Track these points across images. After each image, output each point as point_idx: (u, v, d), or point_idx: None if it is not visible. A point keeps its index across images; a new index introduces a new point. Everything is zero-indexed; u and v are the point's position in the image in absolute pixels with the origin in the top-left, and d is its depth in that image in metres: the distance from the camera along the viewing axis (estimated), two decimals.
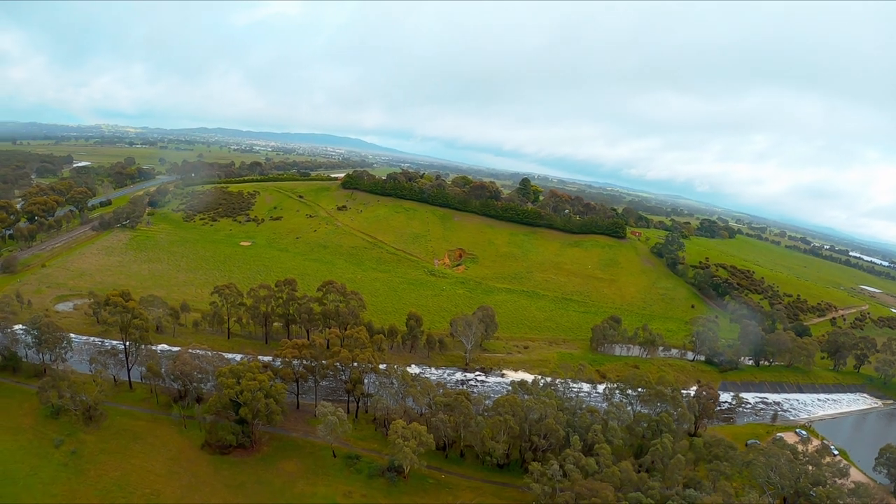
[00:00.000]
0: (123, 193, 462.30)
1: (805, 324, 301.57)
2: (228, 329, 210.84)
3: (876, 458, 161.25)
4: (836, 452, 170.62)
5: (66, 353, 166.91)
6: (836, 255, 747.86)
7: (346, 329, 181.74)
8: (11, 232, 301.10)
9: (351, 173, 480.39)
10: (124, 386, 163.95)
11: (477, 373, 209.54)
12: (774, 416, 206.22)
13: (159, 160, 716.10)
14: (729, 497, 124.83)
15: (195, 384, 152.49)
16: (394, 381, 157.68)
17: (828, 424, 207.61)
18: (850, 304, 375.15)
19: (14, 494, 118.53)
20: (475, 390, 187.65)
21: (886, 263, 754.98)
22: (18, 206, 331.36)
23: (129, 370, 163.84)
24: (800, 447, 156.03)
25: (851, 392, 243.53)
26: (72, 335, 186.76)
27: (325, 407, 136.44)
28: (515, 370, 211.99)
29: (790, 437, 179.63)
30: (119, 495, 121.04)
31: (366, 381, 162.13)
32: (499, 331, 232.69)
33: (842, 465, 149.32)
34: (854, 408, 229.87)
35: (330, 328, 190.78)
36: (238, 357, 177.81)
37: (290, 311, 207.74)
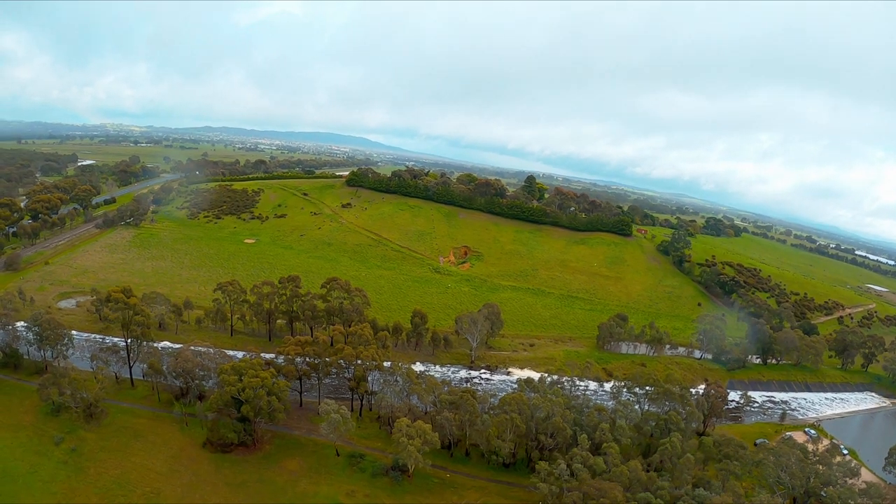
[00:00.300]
0: (128, 191, 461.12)
1: (812, 322, 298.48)
2: (232, 326, 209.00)
3: (886, 458, 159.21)
4: (845, 452, 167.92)
5: (67, 350, 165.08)
6: (842, 254, 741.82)
7: (350, 326, 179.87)
8: (15, 230, 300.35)
9: (355, 171, 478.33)
10: (126, 383, 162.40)
11: (482, 371, 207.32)
12: (783, 415, 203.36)
13: (164, 159, 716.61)
14: (739, 497, 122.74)
15: (197, 381, 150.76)
16: (398, 378, 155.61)
17: (836, 423, 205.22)
18: (857, 302, 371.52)
19: (13, 492, 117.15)
20: (480, 388, 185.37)
21: (892, 262, 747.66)
22: (22, 205, 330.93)
23: (130, 367, 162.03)
24: (809, 446, 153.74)
25: (859, 391, 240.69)
26: (74, 332, 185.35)
27: (329, 405, 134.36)
28: (521, 368, 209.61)
29: (799, 437, 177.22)
30: (119, 494, 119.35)
31: (370, 378, 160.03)
32: (504, 328, 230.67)
33: (852, 464, 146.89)
34: (862, 407, 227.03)
35: (334, 325, 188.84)
36: (241, 354, 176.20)
37: (294, 308, 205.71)
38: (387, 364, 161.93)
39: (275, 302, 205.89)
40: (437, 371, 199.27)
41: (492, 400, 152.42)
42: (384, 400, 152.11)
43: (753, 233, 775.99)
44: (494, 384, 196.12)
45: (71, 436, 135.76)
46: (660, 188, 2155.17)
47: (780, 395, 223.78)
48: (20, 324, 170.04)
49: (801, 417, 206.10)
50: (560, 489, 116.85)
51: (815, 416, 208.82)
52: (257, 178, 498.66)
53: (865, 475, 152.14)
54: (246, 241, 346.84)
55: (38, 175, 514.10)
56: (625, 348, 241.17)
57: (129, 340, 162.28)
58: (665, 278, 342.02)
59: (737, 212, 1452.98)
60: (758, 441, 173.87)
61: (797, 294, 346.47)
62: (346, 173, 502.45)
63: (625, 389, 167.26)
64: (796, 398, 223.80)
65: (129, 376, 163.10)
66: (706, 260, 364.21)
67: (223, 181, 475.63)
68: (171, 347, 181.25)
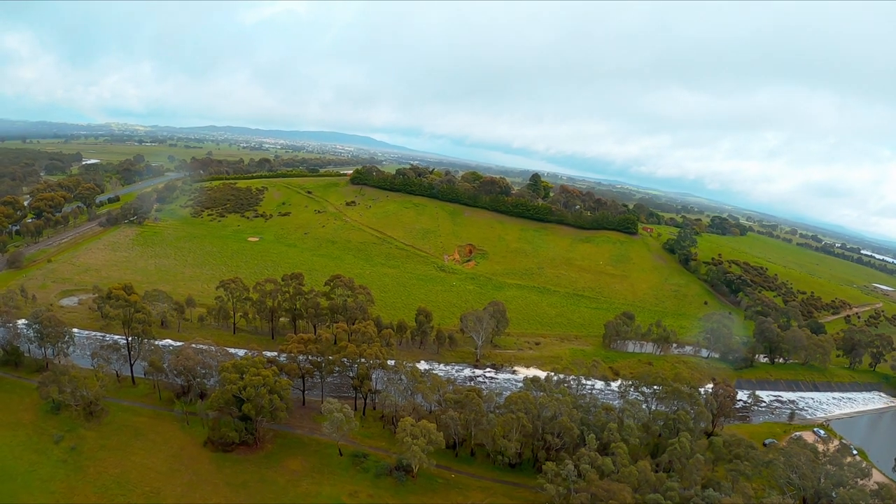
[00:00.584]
0: (131, 190, 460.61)
1: (819, 321, 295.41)
2: (234, 324, 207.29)
3: None
4: (854, 452, 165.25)
5: (68, 347, 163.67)
6: (848, 253, 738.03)
7: (353, 324, 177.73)
8: (18, 228, 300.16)
9: (360, 169, 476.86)
10: (127, 381, 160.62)
11: (487, 369, 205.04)
12: (791, 415, 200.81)
13: (168, 157, 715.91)
14: (749, 498, 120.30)
15: (198, 379, 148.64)
16: (402, 377, 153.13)
17: (844, 423, 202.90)
18: (864, 301, 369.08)
19: (12, 491, 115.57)
20: (485, 387, 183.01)
21: None
22: (26, 203, 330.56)
23: (131, 365, 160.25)
24: (820, 447, 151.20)
25: (867, 391, 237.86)
26: (75, 330, 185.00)
27: (331, 404, 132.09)
28: (527, 367, 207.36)
29: (808, 437, 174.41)
30: (118, 493, 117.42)
31: (373, 377, 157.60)
32: (509, 327, 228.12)
33: (863, 465, 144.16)
34: (870, 407, 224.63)
35: (337, 323, 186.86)
36: (243, 352, 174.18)
37: (297, 306, 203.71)
38: (391, 362, 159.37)
39: (278, 299, 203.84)
40: (441, 369, 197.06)
41: (497, 399, 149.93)
42: (388, 399, 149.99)
43: (759, 232, 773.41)
44: (498, 383, 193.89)
45: (71, 434, 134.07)
46: (664, 187, 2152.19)
47: (787, 395, 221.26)
48: (21, 321, 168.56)
49: (809, 417, 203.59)
50: (567, 490, 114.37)
51: (823, 415, 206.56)
52: (261, 177, 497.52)
53: (876, 476, 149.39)
54: (249, 239, 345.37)
55: (42, 174, 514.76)
56: (631, 347, 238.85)
57: (129, 338, 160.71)
58: (671, 277, 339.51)
59: (742, 211, 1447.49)
60: (767, 441, 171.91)
61: (804, 293, 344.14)
62: (351, 172, 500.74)
63: (632, 388, 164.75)
64: (804, 398, 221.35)
65: (130, 374, 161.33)
66: (712, 258, 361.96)
67: (227, 179, 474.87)
68: (174, 345, 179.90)
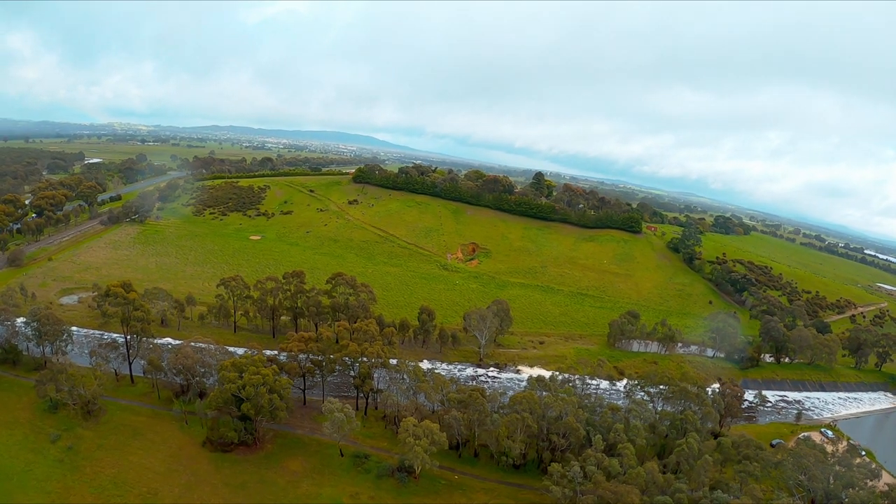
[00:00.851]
0: (133, 189, 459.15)
1: (825, 321, 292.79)
2: (235, 322, 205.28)
3: None
4: (862, 453, 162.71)
5: (66, 345, 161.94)
6: (852, 253, 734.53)
7: (355, 322, 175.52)
8: (19, 226, 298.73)
9: (362, 167, 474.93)
10: (126, 380, 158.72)
11: (491, 368, 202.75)
12: (798, 415, 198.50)
13: (170, 157, 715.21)
14: (758, 500, 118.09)
15: (197, 378, 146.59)
16: (405, 376, 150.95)
17: (850, 424, 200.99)
18: (869, 301, 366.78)
19: (8, 491, 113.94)
20: (487, 386, 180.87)
21: None
22: (27, 202, 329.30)
23: (130, 364, 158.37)
24: (829, 447, 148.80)
25: (873, 391, 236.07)
26: (75, 328, 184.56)
27: (332, 403, 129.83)
28: (531, 366, 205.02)
29: (815, 437, 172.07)
30: (114, 493, 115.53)
31: (375, 376, 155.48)
32: (513, 326, 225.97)
33: (872, 466, 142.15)
34: (877, 407, 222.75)
35: (339, 321, 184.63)
36: (244, 351, 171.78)
37: (298, 304, 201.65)
38: (393, 361, 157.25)
39: (279, 298, 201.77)
40: (443, 368, 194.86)
41: (502, 399, 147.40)
42: (390, 398, 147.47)
43: (762, 231, 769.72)
44: (501, 382, 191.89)
45: (68, 433, 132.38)
46: (667, 187, 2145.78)
47: (793, 395, 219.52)
48: (20, 319, 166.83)
49: (816, 417, 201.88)
50: (574, 492, 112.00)
51: (830, 416, 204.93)
52: (263, 176, 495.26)
53: (885, 477, 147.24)
54: (251, 237, 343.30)
55: (44, 173, 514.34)
56: (636, 346, 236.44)
57: (128, 336, 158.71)
58: (675, 276, 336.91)
59: (745, 210, 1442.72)
60: (774, 442, 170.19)
61: (809, 292, 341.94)
62: (353, 170, 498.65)
63: (638, 388, 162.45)
64: (810, 398, 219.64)
65: (128, 373, 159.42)
66: (716, 257, 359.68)
67: (229, 178, 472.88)
68: (174, 344, 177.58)
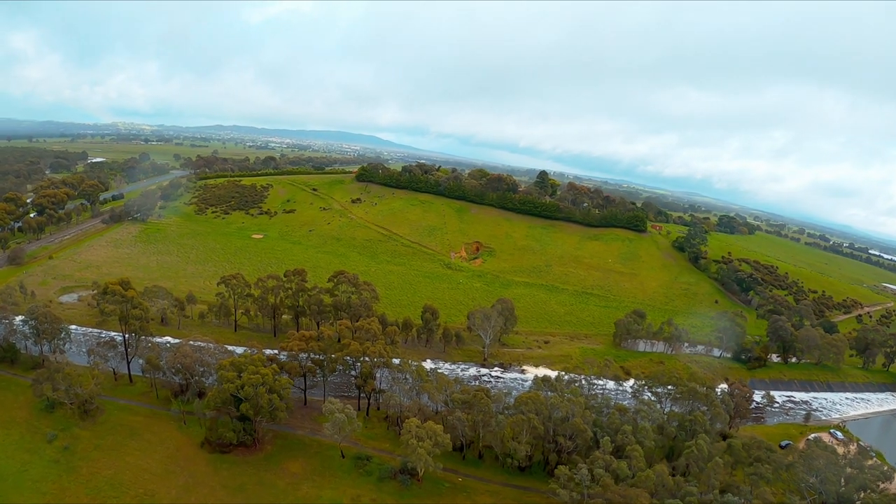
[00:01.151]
0: (136, 188, 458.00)
1: (832, 320, 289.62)
2: (235, 321, 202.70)
3: None
4: (872, 455, 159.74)
5: (64, 344, 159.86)
6: (857, 253, 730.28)
7: (357, 321, 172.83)
8: (20, 224, 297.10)
9: (365, 166, 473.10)
10: (124, 379, 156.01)
11: (495, 368, 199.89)
12: (807, 416, 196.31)
13: (174, 156, 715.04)
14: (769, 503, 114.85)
15: (196, 378, 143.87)
16: (407, 376, 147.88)
17: (859, 425, 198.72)
18: (875, 301, 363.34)
19: (3, 491, 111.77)
20: (491, 385, 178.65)
21: None
22: (28, 200, 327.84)
23: (128, 363, 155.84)
24: (840, 449, 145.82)
25: (881, 391, 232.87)
26: (74, 327, 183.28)
27: (333, 404, 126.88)
28: (536, 366, 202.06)
29: (824, 438, 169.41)
30: (111, 495, 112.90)
31: (378, 375, 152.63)
32: (518, 325, 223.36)
33: (884, 468, 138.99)
34: (885, 408, 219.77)
35: (341, 320, 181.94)
36: (244, 350, 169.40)
37: (300, 303, 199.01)
38: (396, 361, 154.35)
39: (280, 296, 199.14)
40: (447, 368, 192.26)
41: (507, 399, 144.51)
42: (392, 399, 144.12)
43: (767, 231, 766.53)
44: (505, 382, 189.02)
45: (65, 433, 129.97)
46: (671, 186, 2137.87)
47: (800, 395, 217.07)
48: (19, 318, 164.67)
49: (824, 418, 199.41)
50: (581, 495, 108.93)
51: (838, 416, 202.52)
52: (266, 174, 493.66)
53: None
54: (254, 236, 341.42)
55: (47, 172, 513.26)
56: (642, 346, 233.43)
57: (126, 335, 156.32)
58: (681, 275, 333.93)
59: (749, 210, 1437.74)
60: (783, 443, 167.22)
61: (815, 292, 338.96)
62: (356, 169, 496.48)
63: (646, 388, 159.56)
64: (817, 398, 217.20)
65: (127, 372, 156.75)
66: (722, 257, 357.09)
67: (232, 177, 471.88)
68: (174, 343, 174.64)
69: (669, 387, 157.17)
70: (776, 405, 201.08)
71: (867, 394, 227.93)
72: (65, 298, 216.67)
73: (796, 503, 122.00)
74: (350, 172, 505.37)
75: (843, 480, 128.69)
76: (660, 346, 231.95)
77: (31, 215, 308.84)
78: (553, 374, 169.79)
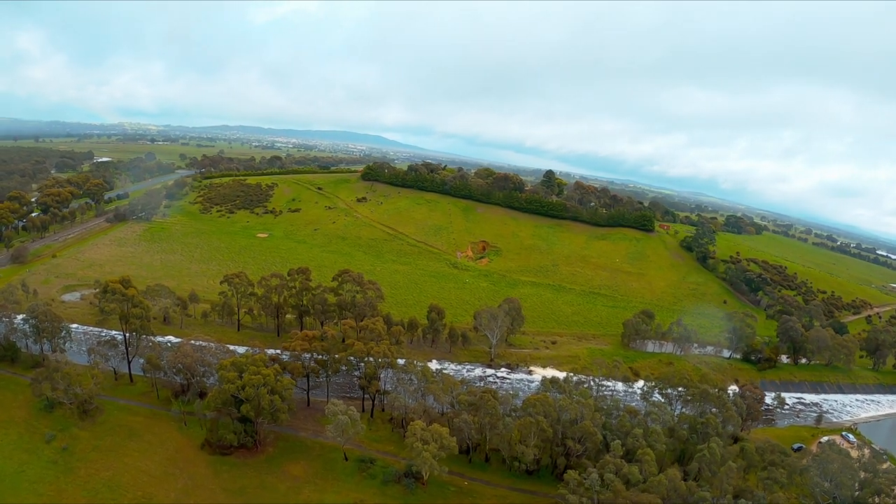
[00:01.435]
0: (141, 187, 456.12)
1: (842, 321, 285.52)
2: (238, 320, 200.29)
3: None
4: (885, 458, 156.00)
5: (65, 343, 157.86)
6: (864, 253, 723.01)
7: (362, 321, 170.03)
8: (24, 223, 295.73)
9: (371, 165, 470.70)
10: (125, 379, 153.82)
11: (502, 369, 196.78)
12: (819, 418, 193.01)
13: (179, 156, 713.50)
14: None
15: (197, 378, 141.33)
16: (413, 377, 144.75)
17: (870, 427, 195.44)
18: (884, 301, 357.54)
19: None
20: (497, 386, 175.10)
21: None
22: (33, 199, 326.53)
23: (129, 362, 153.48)
24: (854, 453, 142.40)
25: (892, 393, 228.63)
26: (75, 326, 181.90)
27: (336, 405, 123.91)
28: (543, 367, 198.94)
29: (836, 441, 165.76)
30: (108, 497, 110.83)
31: (382, 376, 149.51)
32: (524, 325, 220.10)
33: None
34: None
35: (345, 320, 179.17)
36: (248, 350, 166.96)
37: (304, 302, 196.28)
38: (401, 361, 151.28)
39: (283, 295, 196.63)
40: (453, 369, 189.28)
41: (514, 401, 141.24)
42: (397, 400, 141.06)
43: (774, 231, 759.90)
44: (510, 383, 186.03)
45: (63, 433, 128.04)
46: (677, 186, 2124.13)
47: (810, 397, 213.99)
48: (20, 316, 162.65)
49: (835, 420, 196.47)
50: (591, 501, 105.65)
51: (849, 418, 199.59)
52: (271, 173, 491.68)
53: None
54: (258, 235, 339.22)
55: (52, 171, 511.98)
56: (650, 346, 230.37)
57: (127, 334, 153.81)
58: (689, 275, 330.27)
59: (755, 210, 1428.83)
60: (795, 446, 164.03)
61: (824, 292, 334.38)
62: (362, 168, 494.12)
63: (656, 390, 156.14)
64: (827, 399, 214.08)
65: (128, 371, 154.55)
66: (730, 256, 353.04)
67: (237, 176, 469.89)
68: (175, 342, 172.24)
69: (680, 388, 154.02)
70: (786, 407, 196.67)
71: (878, 395, 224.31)
72: (67, 297, 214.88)
73: None
74: (355, 171, 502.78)
75: (857, 485, 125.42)
76: (669, 347, 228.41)
77: (34, 214, 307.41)
78: (561, 375, 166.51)
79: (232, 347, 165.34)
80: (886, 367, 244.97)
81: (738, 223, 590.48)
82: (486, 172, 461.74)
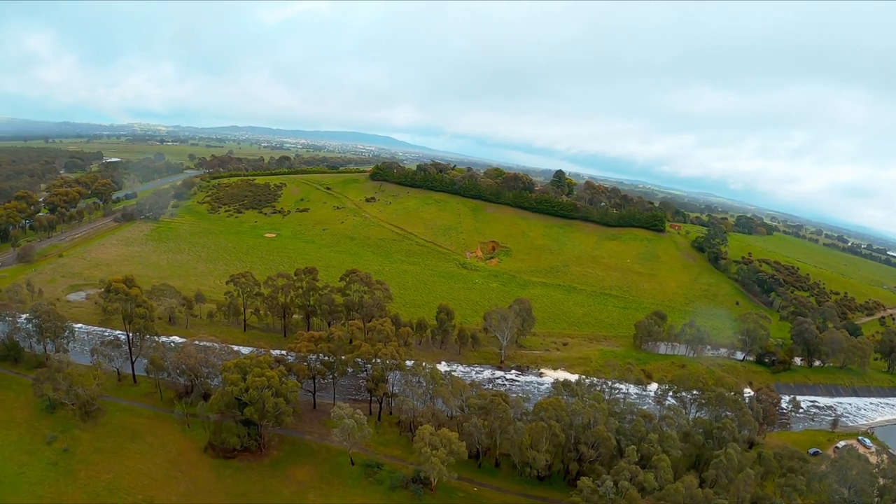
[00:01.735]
0: (149, 187, 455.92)
1: (855, 322, 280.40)
2: (244, 321, 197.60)
3: None
4: None
5: (68, 343, 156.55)
6: (875, 254, 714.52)
7: (369, 321, 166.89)
8: (31, 222, 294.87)
9: (380, 165, 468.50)
10: (128, 380, 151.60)
11: (512, 370, 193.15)
12: (835, 422, 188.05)
13: (188, 156, 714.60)
14: None
15: (202, 379, 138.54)
16: (421, 379, 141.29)
17: (886, 431, 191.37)
18: None
19: None
20: (505, 387, 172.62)
21: None
22: (41, 199, 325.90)
23: (132, 363, 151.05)
24: (872, 458, 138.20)
25: None
26: (80, 325, 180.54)
27: (342, 409, 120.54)
28: (554, 369, 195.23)
29: (854, 446, 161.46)
30: (108, 500, 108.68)
31: (390, 378, 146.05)
32: (535, 326, 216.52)
33: None
34: None
35: (352, 320, 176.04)
36: (253, 351, 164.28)
37: (311, 302, 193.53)
38: (409, 363, 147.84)
39: (290, 295, 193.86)
40: (462, 371, 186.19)
41: (526, 405, 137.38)
42: (405, 403, 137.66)
43: (784, 232, 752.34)
44: (520, 385, 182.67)
45: (64, 435, 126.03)
46: (686, 187, 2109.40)
47: (824, 400, 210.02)
48: (24, 316, 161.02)
49: (850, 424, 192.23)
50: None
51: (865, 422, 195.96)
52: (280, 173, 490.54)
53: None
54: (266, 235, 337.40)
55: (61, 171, 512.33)
56: (663, 348, 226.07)
57: (130, 334, 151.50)
58: (701, 276, 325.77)
59: (765, 211, 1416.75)
60: (811, 451, 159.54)
61: (837, 293, 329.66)
62: (371, 168, 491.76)
63: (670, 393, 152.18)
64: (841, 403, 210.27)
65: (131, 372, 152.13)
66: (742, 257, 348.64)
67: (245, 176, 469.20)
68: (180, 342, 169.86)
69: (695, 391, 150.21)
70: (801, 411, 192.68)
71: (893, 399, 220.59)
72: (73, 296, 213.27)
73: None
74: (364, 171, 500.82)
75: (876, 491, 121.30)
76: (681, 349, 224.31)
77: (43, 214, 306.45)
78: (572, 377, 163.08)
79: (237, 348, 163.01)
80: None
81: (748, 223, 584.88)
82: (496, 172, 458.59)
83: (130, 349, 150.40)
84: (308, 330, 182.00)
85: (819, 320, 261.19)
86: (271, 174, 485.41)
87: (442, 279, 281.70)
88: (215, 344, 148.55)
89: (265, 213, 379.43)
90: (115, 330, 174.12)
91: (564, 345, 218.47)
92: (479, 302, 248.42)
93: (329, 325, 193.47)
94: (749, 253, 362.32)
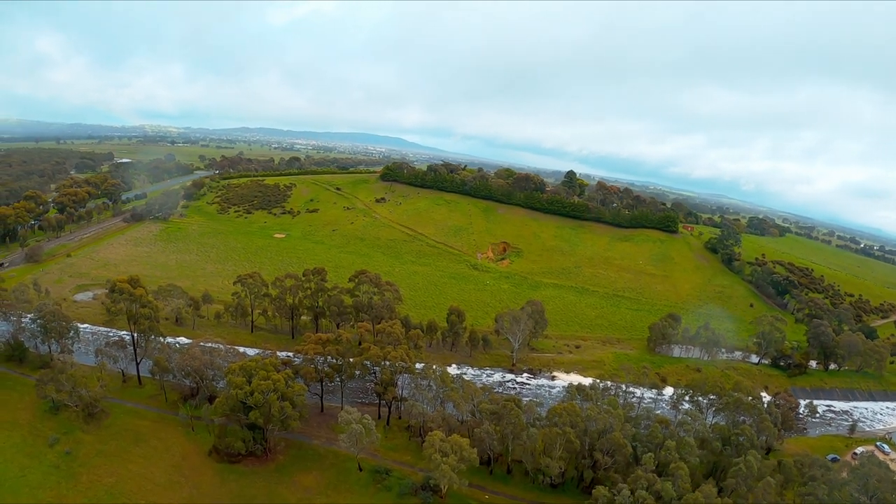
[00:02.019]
0: (159, 187, 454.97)
1: (871, 325, 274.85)
2: (252, 322, 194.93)
3: None
4: None
5: (73, 343, 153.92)
6: (889, 256, 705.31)
7: (379, 323, 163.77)
8: (40, 222, 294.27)
9: (390, 165, 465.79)
10: (133, 381, 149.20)
11: (524, 374, 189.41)
12: (852, 427, 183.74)
13: (199, 157, 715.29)
14: None
15: (207, 381, 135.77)
16: (431, 383, 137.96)
17: None
18: None
19: None
20: (516, 393, 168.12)
21: None
22: (50, 199, 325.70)
23: (137, 364, 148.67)
24: (893, 465, 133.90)
25: None
26: (86, 326, 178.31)
27: (350, 413, 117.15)
28: (567, 372, 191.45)
29: (874, 452, 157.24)
30: None
31: (399, 382, 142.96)
32: (547, 328, 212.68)
33: None
34: None
35: (361, 322, 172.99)
36: (259, 353, 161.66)
37: (319, 303, 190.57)
38: (419, 366, 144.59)
39: (298, 296, 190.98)
40: (472, 374, 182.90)
41: (539, 410, 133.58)
42: (415, 408, 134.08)
43: (796, 233, 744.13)
44: (531, 389, 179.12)
45: (67, 437, 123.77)
46: (697, 188, 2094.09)
47: (840, 405, 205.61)
48: (29, 316, 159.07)
49: (868, 429, 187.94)
50: None
51: (882, 427, 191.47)
52: (289, 174, 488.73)
53: None
54: (276, 235, 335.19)
55: (72, 172, 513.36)
56: (677, 351, 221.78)
57: (135, 334, 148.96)
58: (714, 277, 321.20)
59: (777, 212, 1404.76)
60: (829, 457, 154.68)
61: (851, 296, 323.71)
62: (381, 169, 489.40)
63: (687, 398, 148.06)
64: (857, 407, 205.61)
65: (136, 373, 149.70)
66: (756, 259, 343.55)
67: (255, 176, 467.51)
68: (186, 343, 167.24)
69: (712, 396, 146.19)
70: (817, 415, 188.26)
71: None
72: (80, 297, 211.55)
73: None
74: (374, 172, 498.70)
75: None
76: (695, 352, 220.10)
77: (52, 214, 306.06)
78: (586, 381, 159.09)
79: (244, 350, 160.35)
80: None
81: (761, 225, 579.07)
82: (507, 173, 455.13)
83: (135, 350, 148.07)
84: (317, 331, 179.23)
85: (835, 323, 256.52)
86: (281, 175, 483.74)
87: (452, 280, 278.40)
88: (221, 345, 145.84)
89: (275, 214, 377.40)
90: (121, 331, 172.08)
91: (577, 347, 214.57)
92: (491, 304, 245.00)
93: (338, 326, 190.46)
94: (763, 254, 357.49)
